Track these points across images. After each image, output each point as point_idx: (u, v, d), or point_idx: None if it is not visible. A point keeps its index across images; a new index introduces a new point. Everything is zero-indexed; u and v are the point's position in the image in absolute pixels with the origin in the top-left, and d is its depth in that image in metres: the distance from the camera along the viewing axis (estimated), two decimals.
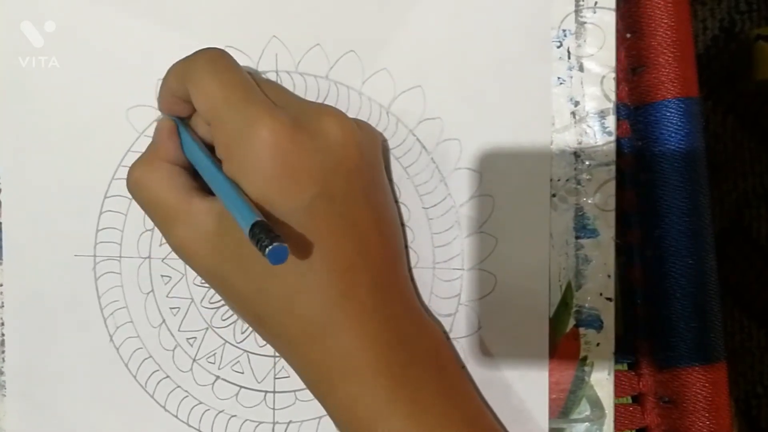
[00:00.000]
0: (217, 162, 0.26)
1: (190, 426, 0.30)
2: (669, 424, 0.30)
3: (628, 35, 0.31)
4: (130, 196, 0.30)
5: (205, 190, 0.26)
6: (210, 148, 0.26)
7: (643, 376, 0.31)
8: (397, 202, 0.30)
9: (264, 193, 0.24)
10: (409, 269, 0.30)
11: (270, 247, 0.22)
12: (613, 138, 0.30)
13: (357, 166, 0.25)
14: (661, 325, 0.30)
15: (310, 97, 0.30)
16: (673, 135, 0.30)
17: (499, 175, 0.30)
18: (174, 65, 0.27)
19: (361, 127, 0.27)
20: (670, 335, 0.30)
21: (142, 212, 0.30)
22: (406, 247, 0.30)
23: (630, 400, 0.31)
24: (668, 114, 0.30)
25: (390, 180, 0.29)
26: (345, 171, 0.25)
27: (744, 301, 0.74)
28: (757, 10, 0.74)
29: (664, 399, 0.30)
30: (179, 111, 0.27)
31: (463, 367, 0.29)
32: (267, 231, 0.22)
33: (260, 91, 0.26)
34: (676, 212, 0.30)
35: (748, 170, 0.74)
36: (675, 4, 0.30)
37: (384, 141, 0.30)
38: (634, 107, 0.31)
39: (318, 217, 0.24)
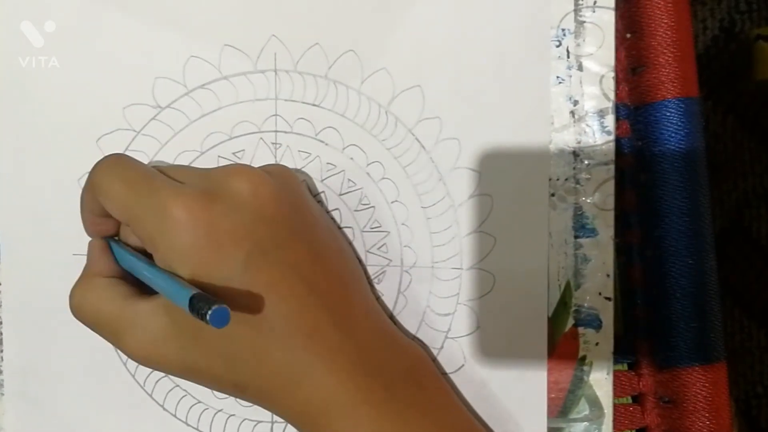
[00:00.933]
0: (151, 260, 0.26)
1: (188, 425, 0.30)
2: (669, 424, 0.30)
3: (628, 35, 0.31)
4: None
5: (149, 292, 0.26)
6: (148, 256, 0.26)
7: (643, 376, 0.31)
8: (396, 201, 0.30)
9: (197, 269, 0.24)
10: (366, 287, 0.29)
11: (209, 312, 0.22)
12: (612, 137, 0.30)
13: (278, 212, 0.26)
14: (661, 325, 0.30)
15: (309, 96, 0.30)
16: (673, 135, 0.30)
17: (497, 174, 0.30)
18: (82, 193, 0.27)
19: (272, 172, 0.27)
20: (670, 335, 0.30)
21: None
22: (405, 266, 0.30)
23: (630, 400, 0.31)
24: (668, 114, 0.30)
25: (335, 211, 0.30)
26: (267, 221, 0.25)
27: (744, 301, 0.74)
28: (757, 10, 0.74)
29: (664, 399, 0.30)
30: (105, 230, 0.28)
31: (441, 375, 0.29)
32: (204, 300, 0.22)
33: (163, 177, 0.26)
34: (676, 212, 0.30)
35: (748, 170, 0.74)
36: (675, 4, 0.30)
37: (305, 180, 0.30)
38: (634, 107, 0.31)
39: (257, 272, 0.25)
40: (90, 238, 0.28)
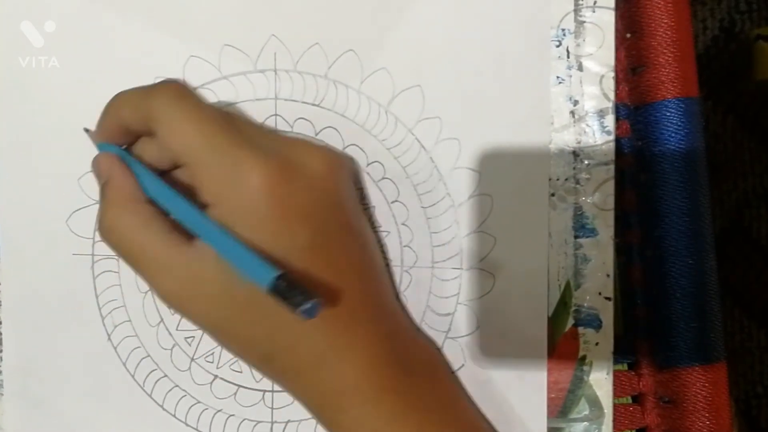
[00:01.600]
0: (194, 203, 0.24)
1: (188, 425, 0.30)
2: (669, 424, 0.30)
3: (628, 35, 0.31)
4: None
5: (185, 231, 0.25)
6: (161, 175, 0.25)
7: (643, 376, 0.31)
8: (396, 201, 0.30)
9: (261, 237, 0.24)
10: (390, 281, 0.30)
11: (302, 305, 0.21)
12: (612, 137, 0.30)
13: (339, 198, 0.26)
14: (661, 325, 0.30)
15: (309, 96, 0.30)
16: (673, 135, 0.30)
17: (497, 174, 0.30)
18: (126, 95, 0.25)
19: (335, 156, 0.27)
20: (670, 335, 0.30)
21: None
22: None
23: (630, 400, 0.31)
24: (668, 114, 0.30)
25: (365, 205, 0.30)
26: (335, 205, 0.26)
27: (744, 301, 0.74)
28: (757, 10, 0.74)
29: (664, 399, 0.30)
30: (122, 140, 0.26)
31: (453, 371, 0.29)
32: (294, 286, 0.21)
33: (240, 130, 0.25)
34: (676, 212, 0.30)
35: (748, 170, 0.74)
36: (675, 3, 0.30)
37: (354, 163, 0.30)
38: (634, 107, 0.31)
39: (316, 253, 0.25)
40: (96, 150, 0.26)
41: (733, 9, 0.74)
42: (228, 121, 0.25)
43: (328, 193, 0.25)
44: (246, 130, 0.26)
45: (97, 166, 0.26)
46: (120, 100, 0.26)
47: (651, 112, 0.30)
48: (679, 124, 0.30)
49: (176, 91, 0.25)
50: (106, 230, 0.25)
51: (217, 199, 0.24)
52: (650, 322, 0.31)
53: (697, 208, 0.30)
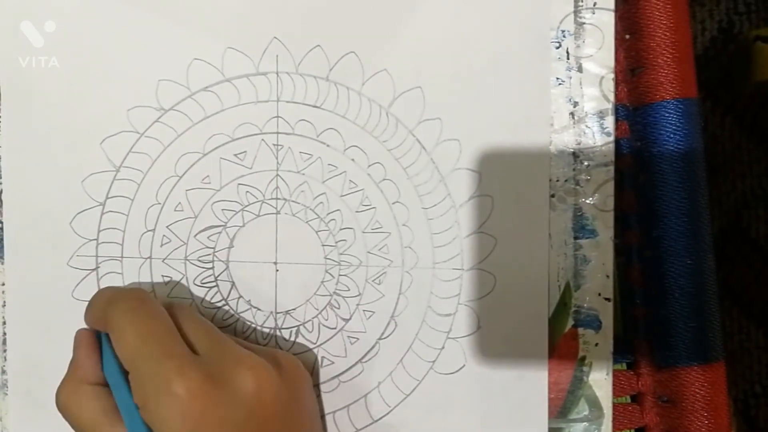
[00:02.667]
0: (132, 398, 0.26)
1: None
2: (668, 423, 0.30)
3: (627, 36, 0.31)
4: (131, 197, 0.30)
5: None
6: None
7: (642, 376, 0.31)
8: (397, 202, 0.30)
9: None
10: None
11: None
12: (611, 138, 0.30)
13: (270, 413, 0.26)
14: (660, 325, 0.30)
15: (311, 97, 0.30)
16: (671, 136, 0.30)
17: (498, 175, 0.30)
18: (96, 297, 0.28)
19: (284, 366, 0.27)
20: (668, 335, 0.30)
21: (144, 213, 0.30)
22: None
23: (629, 400, 0.31)
24: (667, 115, 0.30)
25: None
26: (256, 421, 0.26)
27: (742, 302, 0.74)
28: (756, 12, 0.74)
29: (663, 398, 0.30)
30: (103, 330, 0.28)
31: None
32: None
33: (179, 340, 0.26)
34: (675, 213, 0.30)
35: (746, 171, 0.74)
36: (674, 5, 0.30)
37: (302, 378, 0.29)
38: (633, 108, 0.31)
39: None
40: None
41: (731, 10, 0.74)
42: (168, 332, 0.27)
43: (252, 410, 0.26)
44: (193, 334, 0.27)
45: (74, 339, 0.29)
46: (92, 300, 0.28)
47: (650, 112, 0.30)
48: (678, 124, 0.30)
49: (131, 302, 0.27)
50: (59, 404, 0.28)
51: (144, 403, 0.26)
52: (649, 322, 0.31)
53: (696, 208, 0.30)
